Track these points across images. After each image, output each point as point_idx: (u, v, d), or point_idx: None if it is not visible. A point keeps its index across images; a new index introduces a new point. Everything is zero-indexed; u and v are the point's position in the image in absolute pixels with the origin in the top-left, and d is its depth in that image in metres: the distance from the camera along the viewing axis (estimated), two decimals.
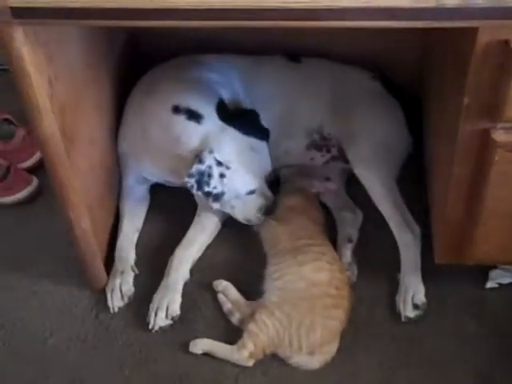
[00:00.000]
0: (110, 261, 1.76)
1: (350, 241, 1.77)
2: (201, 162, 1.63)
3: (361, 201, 1.83)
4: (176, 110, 1.70)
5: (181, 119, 1.69)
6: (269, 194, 1.76)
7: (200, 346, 1.60)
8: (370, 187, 1.75)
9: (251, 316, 1.59)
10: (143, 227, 1.85)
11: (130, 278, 1.73)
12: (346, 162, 1.82)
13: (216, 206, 1.69)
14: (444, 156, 1.54)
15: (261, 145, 1.74)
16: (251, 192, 1.72)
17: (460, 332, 1.62)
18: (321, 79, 1.88)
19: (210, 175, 1.64)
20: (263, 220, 1.75)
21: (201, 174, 1.63)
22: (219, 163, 1.64)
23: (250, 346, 1.55)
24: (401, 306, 1.65)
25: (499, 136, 1.30)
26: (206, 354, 1.59)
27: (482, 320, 1.64)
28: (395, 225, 1.72)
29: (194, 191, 1.66)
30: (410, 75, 1.97)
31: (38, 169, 1.97)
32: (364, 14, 1.13)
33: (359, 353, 1.60)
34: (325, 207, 1.85)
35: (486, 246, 1.52)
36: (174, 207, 1.90)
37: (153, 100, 1.74)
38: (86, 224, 1.60)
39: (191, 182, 1.64)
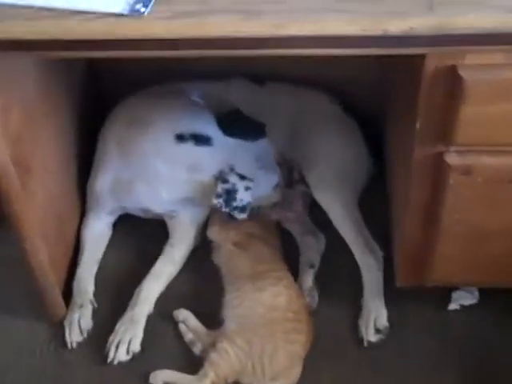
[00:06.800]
0: (69, 293, 1.72)
1: (311, 266, 1.76)
2: (225, 181, 1.65)
3: (324, 225, 1.81)
4: (180, 138, 1.69)
5: (189, 147, 1.69)
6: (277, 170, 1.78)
7: (160, 377, 1.57)
8: (330, 211, 1.74)
9: (213, 345, 1.57)
10: (104, 258, 1.82)
11: (88, 311, 1.68)
12: (308, 185, 1.81)
13: (243, 216, 1.69)
14: (401, 178, 1.55)
15: (264, 142, 1.78)
16: (276, 186, 1.75)
17: (422, 355, 1.62)
18: (282, 102, 1.88)
19: (236, 191, 1.66)
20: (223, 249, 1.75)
21: (227, 192, 1.65)
22: (242, 177, 1.66)
23: (212, 376, 1.53)
24: (363, 331, 1.64)
25: (452, 159, 1.30)
26: None
27: (445, 343, 1.63)
28: (357, 248, 1.71)
29: (222, 209, 1.67)
30: (372, 96, 1.96)
31: None
32: (312, 43, 1.14)
33: (323, 378, 1.59)
34: (287, 232, 1.84)
35: (444, 268, 1.52)
36: (136, 238, 1.86)
37: (148, 132, 1.70)
38: (43, 255, 1.56)
39: (220, 201, 1.65)
